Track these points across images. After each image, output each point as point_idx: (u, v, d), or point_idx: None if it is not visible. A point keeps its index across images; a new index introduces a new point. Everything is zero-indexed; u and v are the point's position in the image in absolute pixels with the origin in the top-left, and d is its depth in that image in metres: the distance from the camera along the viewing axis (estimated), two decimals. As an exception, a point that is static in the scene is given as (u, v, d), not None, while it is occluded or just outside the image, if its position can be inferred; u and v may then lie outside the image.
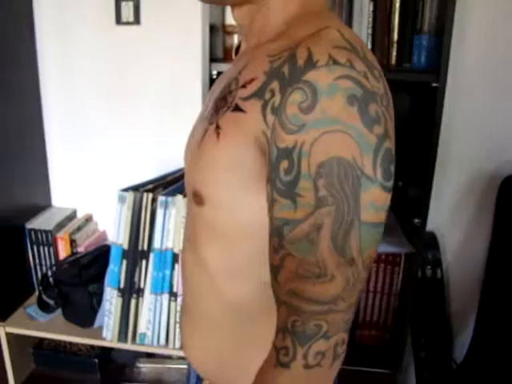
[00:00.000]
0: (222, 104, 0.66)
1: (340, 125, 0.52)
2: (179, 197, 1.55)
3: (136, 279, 1.60)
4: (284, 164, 0.54)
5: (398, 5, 1.53)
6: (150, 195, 1.56)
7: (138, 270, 1.60)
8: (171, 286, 1.59)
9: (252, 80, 0.61)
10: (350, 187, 0.53)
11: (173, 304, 1.60)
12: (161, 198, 1.55)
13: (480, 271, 1.86)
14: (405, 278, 1.66)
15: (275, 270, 0.59)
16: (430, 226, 1.82)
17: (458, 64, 1.69)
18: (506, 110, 1.72)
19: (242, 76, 0.64)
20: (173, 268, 1.58)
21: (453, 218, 1.85)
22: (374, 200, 0.54)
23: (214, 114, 0.67)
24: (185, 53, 1.81)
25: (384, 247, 1.62)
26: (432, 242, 1.81)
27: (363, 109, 0.53)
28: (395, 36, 1.56)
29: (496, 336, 1.74)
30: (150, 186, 1.63)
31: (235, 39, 1.58)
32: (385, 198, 0.56)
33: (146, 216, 1.57)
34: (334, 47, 0.55)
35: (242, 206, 0.66)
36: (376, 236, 0.56)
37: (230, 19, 1.65)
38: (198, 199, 0.70)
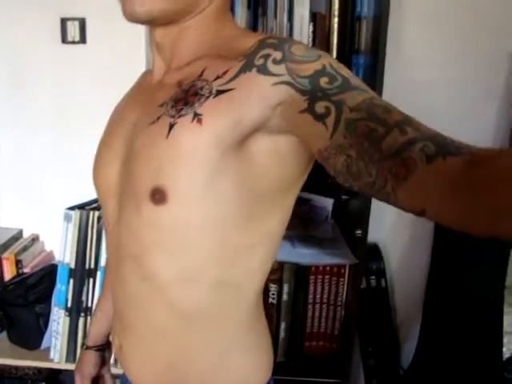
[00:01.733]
0: (193, 98, 0.69)
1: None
2: (126, 214, 1.55)
3: (84, 298, 1.59)
4: (324, 80, 0.61)
5: (336, 26, 1.60)
6: (97, 213, 1.56)
7: (85, 288, 1.59)
8: (119, 303, 1.59)
9: (227, 71, 0.68)
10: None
11: (121, 322, 1.59)
12: (107, 216, 1.55)
13: (422, 279, 1.93)
14: (350, 288, 1.71)
15: (404, 121, 0.55)
16: (374, 237, 1.88)
17: (393, 82, 1.77)
18: (440, 129, 1.80)
19: (207, 76, 0.70)
20: (121, 286, 1.58)
21: (395, 228, 1.92)
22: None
23: (179, 109, 0.70)
24: (129, 70, 1.82)
25: (329, 259, 1.67)
26: (375, 252, 1.88)
27: None
28: (334, 55, 1.63)
29: (440, 342, 1.81)
30: (96, 205, 1.62)
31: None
32: None
33: (92, 234, 1.57)
34: None
35: (211, 194, 0.69)
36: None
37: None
38: (158, 197, 0.70)
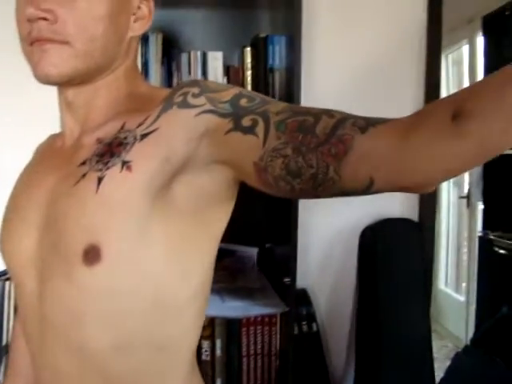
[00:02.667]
0: (119, 149, 0.69)
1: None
2: (43, 283, 1.45)
3: (1, 378, 1.44)
4: (243, 101, 0.64)
5: (249, 78, 1.63)
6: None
7: (3, 366, 1.45)
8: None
9: (147, 117, 0.69)
10: None
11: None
12: (22, 287, 1.44)
13: (351, 319, 1.96)
14: (283, 336, 1.69)
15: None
16: (301, 282, 1.88)
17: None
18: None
19: (128, 127, 0.71)
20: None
21: (321, 272, 1.94)
22: None
23: (106, 162, 0.68)
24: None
25: (260, 309, 1.65)
26: (304, 297, 1.88)
27: None
28: (249, 106, 1.65)
29: (375, 380, 1.82)
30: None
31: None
32: None
33: (9, 307, 1.44)
34: None
35: (144, 247, 0.68)
36: None
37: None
38: (92, 256, 0.66)
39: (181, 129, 0.66)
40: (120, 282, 0.69)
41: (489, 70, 2.57)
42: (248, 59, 1.58)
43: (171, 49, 1.58)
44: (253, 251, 1.89)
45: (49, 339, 0.75)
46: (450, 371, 2.17)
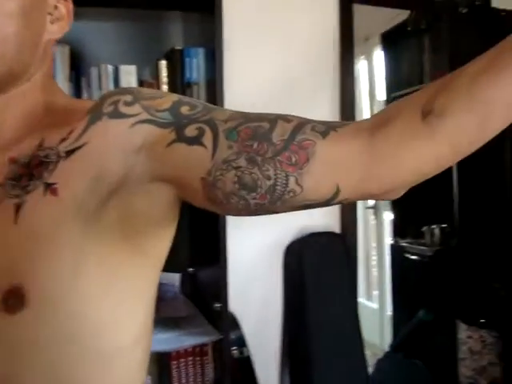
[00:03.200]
0: (40, 169, 0.59)
1: None
2: None
3: None
4: (184, 109, 0.57)
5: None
6: None
7: None
8: None
9: (71, 131, 0.60)
10: None
11: None
12: None
13: (281, 337, 1.91)
14: (216, 366, 1.60)
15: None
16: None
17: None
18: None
19: (48, 144, 0.60)
20: None
21: (246, 294, 1.87)
22: None
23: (25, 186, 0.58)
24: None
25: (191, 340, 1.54)
26: (233, 322, 1.80)
27: None
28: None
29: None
30: None
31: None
32: None
33: None
34: None
35: (79, 284, 0.58)
36: None
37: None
38: (13, 303, 0.56)
39: (113, 142, 0.57)
40: (50, 329, 0.59)
41: (388, 84, 2.67)
42: (163, 73, 1.49)
43: (80, 63, 1.45)
44: (174, 277, 1.78)
45: None
46: (373, 377, 2.20)
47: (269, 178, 0.51)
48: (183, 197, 0.61)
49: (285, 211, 0.55)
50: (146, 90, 0.61)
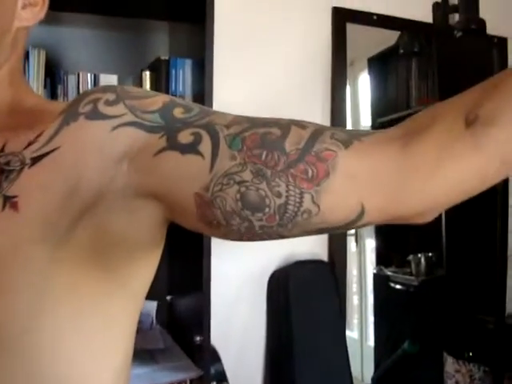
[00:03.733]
0: None
1: None
2: None
3: None
4: (178, 111, 0.49)
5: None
6: None
7: None
8: None
9: (40, 133, 0.50)
10: None
11: None
12: None
13: (264, 369, 1.80)
14: (194, 404, 1.46)
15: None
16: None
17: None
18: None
19: (11, 149, 0.51)
20: None
21: (228, 324, 1.77)
22: None
23: None
24: None
25: (168, 375, 1.41)
26: (213, 355, 1.68)
27: None
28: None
29: None
30: None
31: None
32: None
33: None
34: None
35: (44, 320, 0.50)
36: None
37: None
38: None
39: (90, 148, 0.48)
40: (12, 370, 0.50)
41: (374, 109, 2.63)
42: (147, 84, 1.39)
43: (57, 69, 1.34)
44: (151, 305, 1.65)
45: None
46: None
47: (279, 196, 0.43)
48: (171, 217, 0.51)
49: (295, 236, 0.46)
50: (132, 89, 0.52)
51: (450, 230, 2.19)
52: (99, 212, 0.49)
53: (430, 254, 2.37)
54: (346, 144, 0.43)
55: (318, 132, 0.44)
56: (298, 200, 0.43)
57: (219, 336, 1.73)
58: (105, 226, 0.50)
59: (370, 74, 2.68)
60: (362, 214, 0.43)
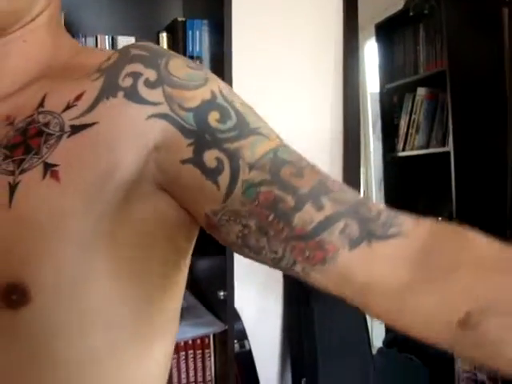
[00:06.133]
0: (37, 141, 0.48)
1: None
2: None
3: None
4: (214, 116, 0.47)
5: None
6: None
7: None
8: None
9: (80, 95, 0.49)
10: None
11: None
12: None
13: (282, 328, 1.86)
14: (218, 359, 1.51)
15: (320, 187, 0.47)
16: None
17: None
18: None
19: (51, 106, 0.50)
20: None
21: (247, 284, 1.80)
22: None
23: (19, 160, 0.48)
24: None
25: (191, 330, 1.45)
26: (234, 314, 1.72)
27: None
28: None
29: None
30: None
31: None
32: None
33: None
34: None
35: (91, 283, 0.49)
36: None
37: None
38: (16, 298, 0.46)
39: (130, 130, 0.48)
40: (57, 324, 0.50)
41: (382, 75, 2.64)
42: (164, 46, 1.41)
43: (75, 32, 1.35)
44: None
45: None
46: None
47: (275, 253, 0.45)
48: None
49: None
50: (177, 70, 0.49)
51: (460, 196, 2.20)
52: (140, 196, 0.50)
53: (440, 219, 2.38)
54: (354, 245, 0.43)
55: (330, 219, 0.44)
56: (290, 263, 0.45)
57: (239, 296, 1.78)
58: (149, 209, 0.50)
59: (377, 40, 2.68)
60: (348, 302, 0.45)
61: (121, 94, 0.48)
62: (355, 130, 2.00)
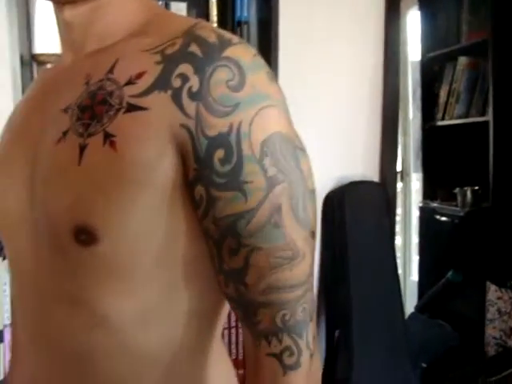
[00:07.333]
0: (101, 109, 0.54)
1: (271, 100, 0.52)
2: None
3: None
4: (219, 154, 0.50)
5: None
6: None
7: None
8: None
9: (141, 74, 0.53)
10: (293, 160, 0.52)
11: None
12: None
13: (318, 286, 1.93)
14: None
15: (239, 274, 0.52)
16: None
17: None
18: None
19: (118, 74, 0.55)
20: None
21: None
22: (309, 168, 0.55)
23: (87, 124, 0.54)
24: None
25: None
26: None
27: (278, 85, 0.55)
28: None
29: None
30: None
31: (48, 69, 1.38)
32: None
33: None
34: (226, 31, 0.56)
35: (156, 229, 0.54)
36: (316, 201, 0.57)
37: (40, 49, 1.44)
38: (85, 238, 0.53)
39: (167, 129, 0.51)
40: (133, 257, 0.56)
41: (424, 44, 2.63)
42: (214, 11, 1.48)
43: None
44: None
45: (54, 315, 0.61)
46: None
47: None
48: None
49: None
50: (217, 87, 0.50)
51: (497, 164, 2.21)
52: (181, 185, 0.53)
53: (477, 188, 2.41)
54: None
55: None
56: None
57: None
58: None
59: (420, 9, 2.67)
60: None
61: (169, 92, 0.51)
62: (394, 98, 2.03)
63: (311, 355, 0.53)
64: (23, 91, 1.26)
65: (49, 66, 1.41)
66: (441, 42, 2.54)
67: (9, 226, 0.64)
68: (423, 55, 2.63)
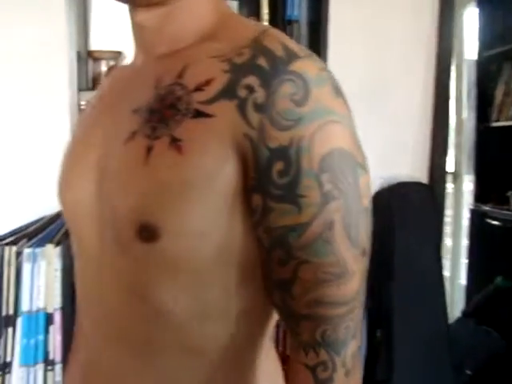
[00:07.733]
0: (169, 113, 0.55)
1: (334, 115, 0.52)
2: (49, 247, 1.33)
3: (1, 352, 1.32)
4: (278, 166, 0.51)
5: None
6: (14, 248, 1.31)
7: (2, 340, 1.32)
8: (46, 353, 1.34)
9: (209, 81, 0.54)
10: (352, 177, 0.52)
11: (50, 374, 1.34)
12: (27, 251, 1.31)
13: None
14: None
15: (286, 284, 0.53)
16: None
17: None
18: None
19: (187, 79, 0.56)
20: (47, 332, 1.34)
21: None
22: (367, 186, 0.55)
23: (154, 127, 0.56)
24: (49, 83, 1.59)
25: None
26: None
27: (344, 99, 0.55)
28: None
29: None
30: (12, 239, 1.38)
31: (103, 66, 1.44)
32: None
33: (9, 274, 1.31)
34: (295, 43, 0.55)
35: (216, 230, 0.56)
36: (370, 219, 0.56)
37: (95, 45, 1.50)
38: (147, 234, 0.55)
39: (231, 137, 0.52)
40: (194, 254, 0.57)
41: (481, 42, 2.56)
42: (265, 9, 1.49)
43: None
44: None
45: (124, 303, 0.63)
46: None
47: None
48: None
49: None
50: (282, 102, 0.51)
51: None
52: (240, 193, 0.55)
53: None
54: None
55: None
56: None
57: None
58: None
59: (477, 5, 2.60)
60: None
61: (235, 101, 0.52)
62: (445, 97, 1.99)
63: (347, 372, 0.54)
64: (79, 87, 1.31)
65: (125, 62, 1.47)
66: (498, 40, 2.47)
67: (77, 217, 0.66)
68: (480, 54, 2.56)
